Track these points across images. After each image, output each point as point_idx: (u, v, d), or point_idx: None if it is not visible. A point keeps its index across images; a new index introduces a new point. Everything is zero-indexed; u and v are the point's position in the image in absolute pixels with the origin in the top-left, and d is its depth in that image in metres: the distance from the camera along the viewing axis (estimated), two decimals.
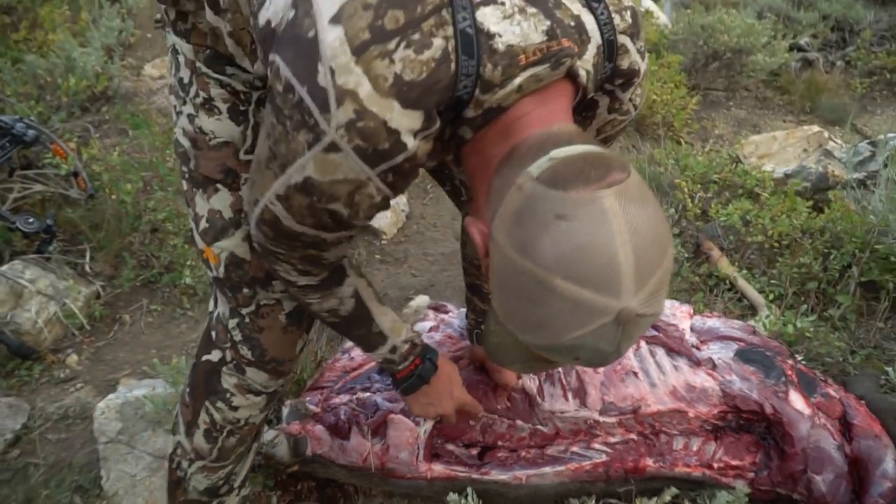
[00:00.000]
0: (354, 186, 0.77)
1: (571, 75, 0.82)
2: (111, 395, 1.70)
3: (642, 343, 1.57)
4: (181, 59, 1.00)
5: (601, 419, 1.47)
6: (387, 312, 1.17)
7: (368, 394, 1.60)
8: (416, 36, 0.71)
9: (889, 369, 1.68)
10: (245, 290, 1.11)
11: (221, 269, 1.10)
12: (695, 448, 1.50)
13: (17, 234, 2.07)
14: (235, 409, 1.23)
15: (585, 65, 0.83)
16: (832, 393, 1.55)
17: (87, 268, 2.15)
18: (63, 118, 2.78)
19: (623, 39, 0.88)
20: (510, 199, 0.75)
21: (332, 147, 0.73)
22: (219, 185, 1.04)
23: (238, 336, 1.15)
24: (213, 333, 1.19)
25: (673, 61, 3.62)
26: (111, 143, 2.64)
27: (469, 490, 1.44)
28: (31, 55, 2.93)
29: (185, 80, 1.01)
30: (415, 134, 0.75)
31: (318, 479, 1.67)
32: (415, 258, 2.41)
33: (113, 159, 2.27)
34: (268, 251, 0.93)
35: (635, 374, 1.51)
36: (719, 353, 1.61)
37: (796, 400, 1.52)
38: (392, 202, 1.00)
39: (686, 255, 2.26)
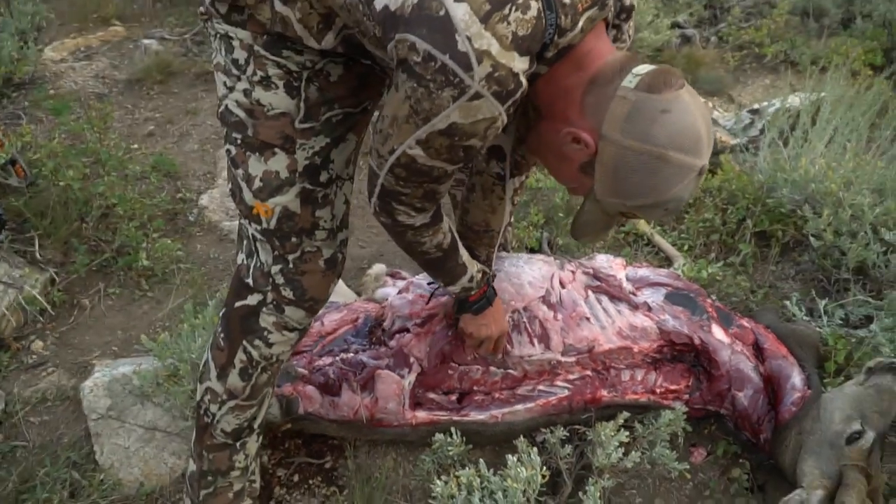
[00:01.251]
0: (489, 122, 0.99)
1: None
2: (97, 373, 1.76)
3: (590, 293, 1.81)
4: (235, 43, 1.15)
5: (563, 359, 1.69)
6: (461, 245, 1.42)
7: (351, 354, 1.75)
8: (520, 1, 0.93)
9: (787, 303, 2.01)
10: (293, 239, 1.27)
11: (273, 221, 1.25)
12: (639, 378, 1.76)
13: None
14: (271, 345, 1.38)
15: (611, 4, 1.11)
16: (745, 324, 1.85)
17: (38, 255, 2.14)
18: None
19: None
20: (617, 107, 1.01)
21: (476, 95, 0.95)
22: (276, 149, 1.20)
23: (280, 279, 1.31)
24: (250, 280, 1.34)
25: None
26: (41, 129, 2.58)
27: (452, 429, 1.63)
28: None
29: (241, 61, 1.15)
30: (524, 73, 0.97)
31: (304, 437, 1.81)
32: (360, 231, 2.55)
33: (54, 146, 2.24)
34: (395, 195, 1.14)
35: (587, 319, 1.74)
36: (652, 297, 1.87)
37: (718, 331, 1.80)
38: None
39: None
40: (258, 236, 1.29)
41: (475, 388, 1.71)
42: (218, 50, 1.18)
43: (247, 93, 1.17)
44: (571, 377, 1.73)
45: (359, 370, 1.69)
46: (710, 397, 1.76)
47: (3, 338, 1.93)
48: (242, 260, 1.36)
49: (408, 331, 1.73)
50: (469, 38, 0.91)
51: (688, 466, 1.64)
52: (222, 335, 1.41)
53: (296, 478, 1.73)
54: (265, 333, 1.36)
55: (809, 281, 2.23)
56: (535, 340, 1.69)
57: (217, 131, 3.02)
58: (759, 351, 1.81)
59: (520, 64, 0.95)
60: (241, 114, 1.19)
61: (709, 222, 2.43)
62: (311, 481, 1.73)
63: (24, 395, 1.81)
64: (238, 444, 1.51)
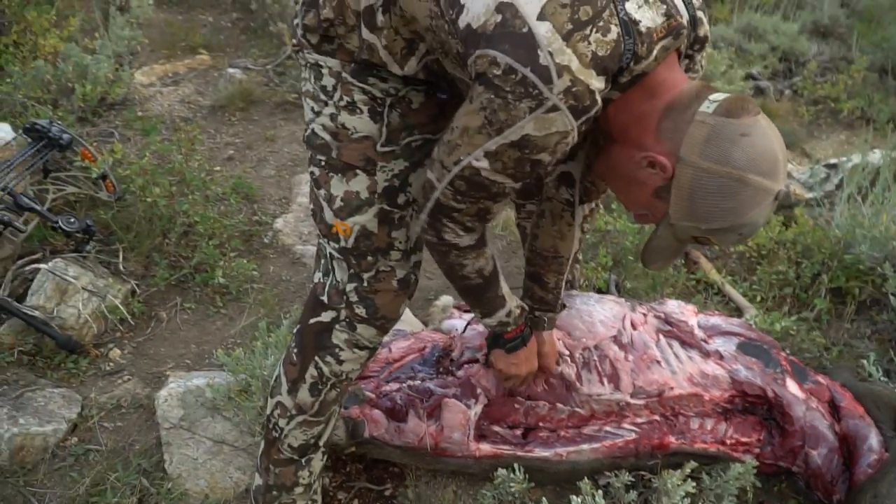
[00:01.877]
0: (561, 136, 1.01)
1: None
2: (172, 384, 1.81)
3: (661, 336, 1.79)
4: (325, 71, 1.21)
5: (632, 401, 1.67)
6: (503, 279, 1.41)
7: (418, 381, 1.76)
8: (601, 23, 0.97)
9: (864, 361, 1.95)
10: (369, 258, 1.31)
11: (351, 240, 1.29)
12: (709, 427, 1.72)
13: (57, 233, 2.14)
14: (342, 362, 1.41)
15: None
16: (821, 380, 1.80)
17: (121, 267, 2.24)
18: (71, 122, 2.84)
19: (699, 14, 1.15)
20: (696, 131, 1.02)
21: (553, 108, 0.97)
22: (358, 171, 1.24)
23: (354, 297, 1.35)
24: (325, 298, 1.38)
25: None
26: (131, 148, 2.72)
27: (515, 465, 1.62)
28: (36, 61, 2.97)
29: (329, 88, 1.21)
30: (600, 92, 1.00)
31: (366, 462, 1.82)
32: (428, 262, 2.56)
33: (143, 164, 2.36)
34: (448, 210, 1.16)
35: (658, 362, 1.72)
36: (724, 346, 1.84)
37: (792, 386, 1.76)
38: None
39: (679, 263, 2.51)
40: (335, 255, 1.33)
41: (541, 423, 1.70)
42: (308, 78, 1.25)
43: (333, 117, 1.22)
44: (639, 421, 1.70)
45: (426, 397, 1.71)
46: (783, 453, 1.71)
47: (83, 344, 2.01)
48: (319, 278, 1.40)
49: (477, 361, 1.74)
50: (551, 53, 0.94)
51: None
52: (295, 350, 1.45)
53: (356, 503, 1.74)
54: (337, 350, 1.40)
55: (887, 341, 2.16)
56: (605, 380, 1.68)
57: (293, 158, 3.12)
58: (834, 409, 1.75)
59: (597, 82, 0.98)
60: (327, 137, 1.24)
61: (782, 275, 2.38)
62: None
63: (101, 400, 1.88)
64: (304, 461, 1.53)
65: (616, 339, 1.72)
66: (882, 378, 1.90)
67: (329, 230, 1.32)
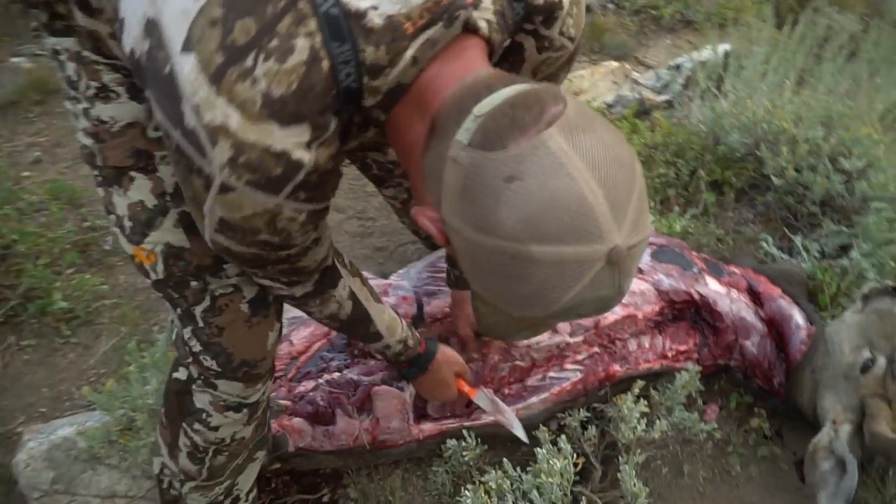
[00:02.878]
0: (270, 216, 0.73)
1: (471, 29, 0.73)
2: (31, 443, 1.46)
3: None
4: (63, 56, 0.90)
5: (571, 340, 1.56)
6: (384, 311, 1.16)
7: (336, 374, 1.54)
8: (274, 42, 0.64)
9: (763, 244, 1.97)
10: (193, 284, 0.98)
11: (160, 267, 0.96)
12: (647, 345, 1.65)
13: None
14: (216, 429, 1.13)
15: (485, 14, 0.74)
16: (735, 270, 1.79)
17: None
18: None
19: None
20: (449, 177, 0.66)
21: (225, 188, 0.69)
22: (132, 173, 0.93)
23: (197, 346, 1.03)
24: (174, 351, 1.11)
25: None
26: None
27: (465, 433, 1.46)
28: None
29: (73, 77, 0.90)
30: (307, 145, 0.69)
31: (294, 472, 1.59)
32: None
33: None
34: (251, 273, 0.91)
35: None
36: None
37: (712, 283, 1.73)
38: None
39: None
40: (158, 293, 1.02)
41: (482, 386, 1.55)
42: (57, 71, 0.93)
43: (87, 112, 0.92)
44: (580, 357, 1.60)
45: (351, 391, 1.49)
46: (720, 351, 1.68)
47: None
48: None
49: None
50: (196, 109, 0.65)
51: (715, 426, 1.55)
52: (163, 411, 1.18)
53: None
54: (204, 416, 1.12)
55: (771, 221, 2.21)
56: None
57: None
58: (754, 296, 1.75)
59: (286, 138, 0.67)
60: (89, 141, 0.93)
61: (663, 176, 2.37)
62: None
63: None
64: None
65: None
66: (783, 256, 1.93)
67: (134, 262, 0.99)
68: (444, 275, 1.54)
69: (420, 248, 2.02)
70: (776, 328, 1.68)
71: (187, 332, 1.03)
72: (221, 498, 1.25)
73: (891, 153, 1.98)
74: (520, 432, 1.43)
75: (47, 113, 2.91)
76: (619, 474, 1.41)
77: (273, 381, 1.55)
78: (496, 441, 1.53)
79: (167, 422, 1.17)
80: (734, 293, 1.72)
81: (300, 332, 1.68)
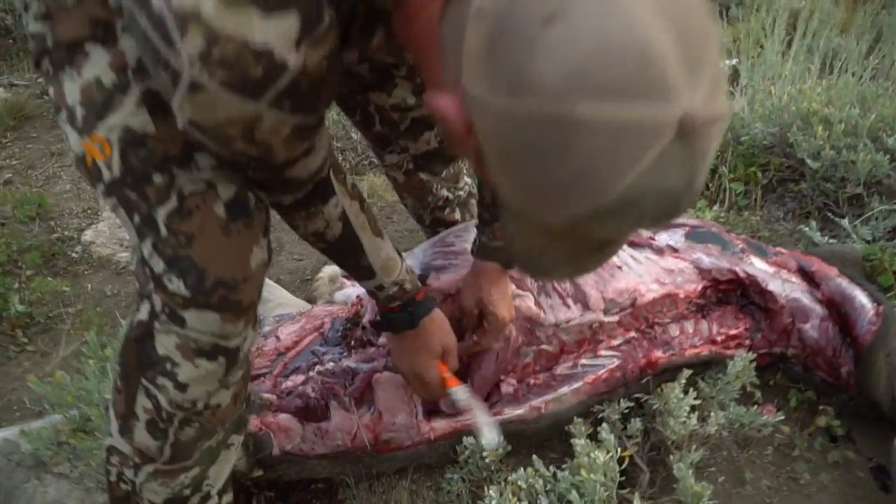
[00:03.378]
0: (246, 125, 0.63)
1: None
2: None
3: None
4: None
5: (605, 319, 1.34)
6: (381, 247, 1.01)
7: (332, 364, 1.31)
8: None
9: (805, 228, 1.77)
10: (157, 179, 0.79)
11: (116, 161, 0.79)
12: (690, 330, 1.43)
13: None
14: (184, 386, 0.88)
15: None
16: (782, 251, 1.58)
17: None
18: None
19: None
20: (473, 35, 0.53)
21: (195, 87, 0.59)
22: (87, 46, 0.77)
23: (159, 265, 0.81)
24: (136, 283, 0.87)
25: None
26: None
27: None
28: None
29: None
30: (296, 44, 0.58)
31: (279, 487, 1.33)
32: (291, 244, 2.12)
33: None
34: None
35: (619, 268, 1.40)
36: (671, 239, 1.57)
37: (758, 262, 1.52)
38: None
39: None
40: (115, 208, 0.83)
41: (503, 377, 1.31)
42: None
43: None
44: (616, 343, 1.37)
45: (348, 380, 1.26)
46: (775, 336, 1.46)
47: None
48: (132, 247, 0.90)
49: None
50: None
51: (782, 416, 1.31)
52: (118, 371, 0.93)
53: None
54: (169, 366, 0.86)
55: (807, 215, 2.01)
56: (570, 301, 1.32)
57: None
58: (807, 277, 1.53)
59: (268, 32, 0.57)
60: (38, 26, 0.79)
61: None
62: None
63: None
64: None
65: None
66: (830, 242, 1.73)
67: (84, 164, 0.81)
68: (454, 249, 1.33)
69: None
70: (837, 310, 1.46)
71: (147, 249, 0.81)
72: (188, 492, 0.98)
73: None
74: (491, 437, 1.15)
75: (23, 138, 2.78)
76: (674, 472, 1.16)
77: (256, 378, 1.34)
78: (521, 441, 1.29)
79: (122, 384, 0.91)
80: (784, 273, 1.51)
81: (287, 327, 1.46)
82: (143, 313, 0.86)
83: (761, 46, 2.33)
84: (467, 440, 1.23)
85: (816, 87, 2.03)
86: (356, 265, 1.02)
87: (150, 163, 0.79)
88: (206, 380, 0.88)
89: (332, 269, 1.78)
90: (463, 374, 1.27)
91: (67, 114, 0.80)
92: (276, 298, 1.64)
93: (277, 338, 1.44)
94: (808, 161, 1.89)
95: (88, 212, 2.21)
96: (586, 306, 1.31)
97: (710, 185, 2.20)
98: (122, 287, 1.80)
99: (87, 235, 2.02)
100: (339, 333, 1.41)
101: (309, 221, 0.92)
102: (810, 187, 1.94)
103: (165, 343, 0.85)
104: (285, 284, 1.87)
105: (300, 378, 1.29)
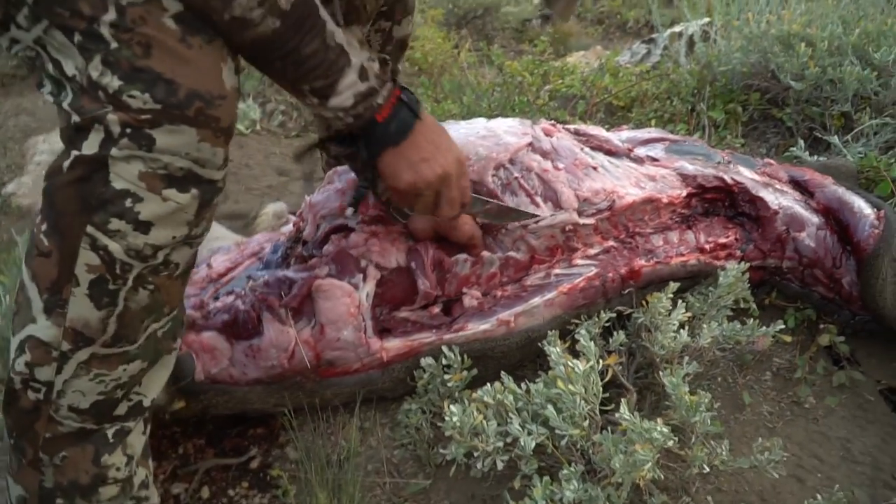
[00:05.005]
0: None
1: None
2: None
3: (583, 146, 1.32)
4: None
5: (581, 221, 1.17)
6: (328, 16, 0.80)
7: (265, 276, 1.12)
8: None
9: (793, 149, 1.64)
10: None
11: None
12: (675, 240, 1.27)
13: None
14: (147, 225, 0.74)
15: None
16: (771, 161, 1.44)
17: None
18: None
19: None
20: None
21: None
22: None
23: (115, 81, 0.69)
24: (75, 116, 0.71)
25: (436, 14, 3.56)
26: None
27: (445, 349, 1.05)
28: None
29: None
30: None
31: (208, 430, 1.15)
32: (236, 193, 1.94)
33: None
34: None
35: (594, 168, 1.25)
36: (652, 151, 1.42)
37: (746, 172, 1.38)
38: None
39: None
40: (42, 35, 0.71)
41: (465, 289, 1.14)
42: None
43: None
44: (592, 252, 1.21)
45: (284, 290, 1.07)
46: (769, 246, 1.31)
47: None
48: (50, 100, 0.75)
49: (345, 229, 1.14)
50: None
51: (783, 326, 1.15)
52: (44, 227, 0.76)
53: (205, 493, 1.06)
54: (129, 202, 0.73)
55: (795, 136, 1.87)
56: (539, 199, 1.16)
57: (23, 129, 2.31)
58: (800, 186, 1.39)
59: None
60: None
61: (659, 111, 2.06)
62: (231, 492, 1.06)
63: None
64: (111, 433, 0.85)
65: (534, 147, 1.21)
66: (821, 158, 1.60)
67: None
68: None
69: None
70: (834, 217, 1.31)
71: (96, 67, 0.69)
72: (119, 394, 0.82)
73: None
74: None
75: None
76: (666, 386, 1.00)
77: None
78: (489, 365, 1.11)
79: (53, 241, 0.75)
80: (776, 183, 1.37)
81: (220, 256, 1.28)
82: (89, 147, 0.72)
83: None
84: (426, 362, 1.06)
85: (796, 10, 1.90)
86: (324, 48, 0.79)
87: None
88: (174, 219, 0.75)
89: (278, 206, 1.60)
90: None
91: None
92: (211, 233, 1.46)
93: (209, 265, 1.25)
94: (793, 83, 1.76)
95: (14, 167, 2.03)
96: (557, 205, 1.15)
97: (690, 123, 2.06)
98: None
99: (9, 188, 1.83)
100: (279, 255, 1.23)
101: None
102: (795, 112, 1.80)
103: (125, 172, 0.72)
104: (230, 226, 1.69)
105: (230, 299, 1.11)
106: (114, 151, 0.71)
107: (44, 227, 0.76)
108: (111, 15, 0.68)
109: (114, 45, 0.69)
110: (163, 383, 0.89)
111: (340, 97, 0.82)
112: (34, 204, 1.76)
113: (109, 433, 0.85)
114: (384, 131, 0.88)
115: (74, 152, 0.73)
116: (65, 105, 0.72)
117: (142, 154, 0.71)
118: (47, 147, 1.94)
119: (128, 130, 0.70)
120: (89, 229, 0.74)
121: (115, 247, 0.74)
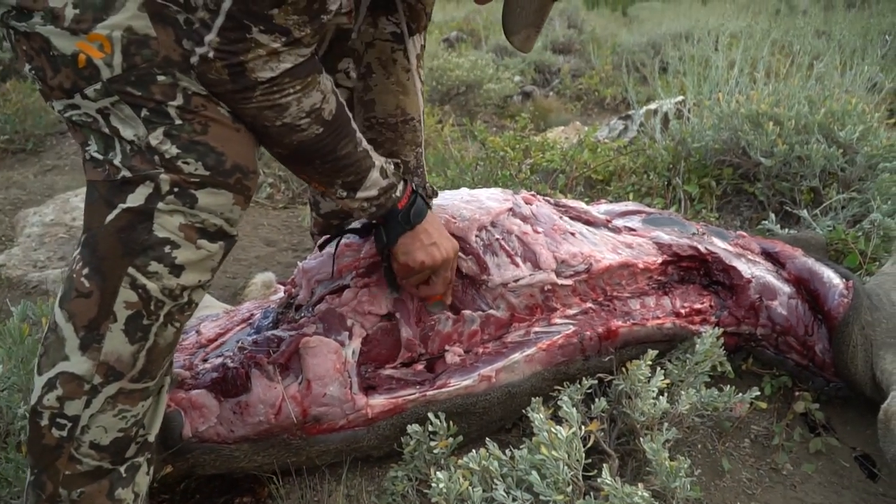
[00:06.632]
0: None
1: None
2: None
3: (562, 214, 1.37)
4: None
5: (560, 281, 1.21)
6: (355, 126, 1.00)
7: (255, 337, 1.14)
8: None
9: (765, 223, 1.71)
10: (161, 78, 0.83)
11: (118, 58, 0.81)
12: (652, 305, 1.31)
13: None
14: (179, 270, 0.87)
15: None
16: (744, 234, 1.50)
17: None
18: None
19: None
20: None
21: None
22: None
23: (173, 149, 0.84)
24: (125, 172, 0.83)
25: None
26: None
27: (431, 415, 1.07)
28: None
29: None
30: None
31: (196, 500, 1.13)
32: (225, 264, 1.96)
33: None
34: (262, 7, 0.80)
35: (572, 234, 1.30)
36: (629, 222, 1.48)
37: (720, 243, 1.43)
38: None
39: None
40: (109, 107, 0.83)
41: (447, 347, 1.17)
42: None
43: None
44: (571, 312, 1.24)
45: (273, 348, 1.09)
46: (743, 313, 1.35)
47: None
48: (94, 156, 0.85)
49: (339, 292, 1.17)
50: None
51: (757, 393, 1.18)
52: (85, 270, 0.85)
53: None
54: (167, 248, 0.86)
55: (767, 209, 1.95)
56: (519, 259, 1.20)
57: (13, 202, 2.34)
58: (771, 258, 1.45)
59: None
60: None
61: (637, 185, 2.14)
62: None
63: None
64: (123, 469, 0.92)
65: (515, 212, 1.27)
66: (791, 230, 1.67)
67: (75, 66, 0.81)
68: None
69: None
70: (805, 287, 1.37)
71: (157, 135, 0.84)
72: (136, 431, 0.91)
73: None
74: None
75: None
76: (647, 452, 1.02)
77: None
78: (472, 422, 1.13)
79: (97, 280, 0.85)
80: (749, 255, 1.42)
81: (210, 323, 1.31)
82: (136, 199, 0.84)
83: (707, 65, 2.34)
84: (412, 428, 1.07)
85: (764, 90, 2.01)
86: (353, 152, 0.96)
87: (153, 62, 0.82)
88: (203, 265, 0.89)
89: (266, 276, 1.63)
90: None
91: (46, 12, 0.80)
92: (200, 302, 1.48)
93: (198, 332, 1.27)
94: (763, 160, 1.85)
95: (3, 238, 2.04)
96: (536, 265, 1.19)
97: (667, 196, 2.14)
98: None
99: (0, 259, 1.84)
100: (269, 321, 1.25)
101: (304, 95, 0.88)
102: (766, 187, 1.89)
103: (168, 224, 0.85)
104: (218, 297, 1.71)
105: (219, 360, 1.13)
106: (160, 205, 0.84)
107: (85, 270, 0.86)
108: (179, 101, 0.84)
109: (178, 122, 0.84)
110: (160, 421, 0.96)
111: (367, 191, 1.00)
112: (25, 273, 1.77)
113: (122, 469, 0.92)
114: (404, 217, 1.05)
115: (112, 212, 0.84)
116: (115, 161, 0.83)
117: (184, 209, 0.85)
118: (38, 220, 1.97)
119: (175, 189, 0.84)
120: (130, 270, 0.85)
121: (152, 286, 0.86)
